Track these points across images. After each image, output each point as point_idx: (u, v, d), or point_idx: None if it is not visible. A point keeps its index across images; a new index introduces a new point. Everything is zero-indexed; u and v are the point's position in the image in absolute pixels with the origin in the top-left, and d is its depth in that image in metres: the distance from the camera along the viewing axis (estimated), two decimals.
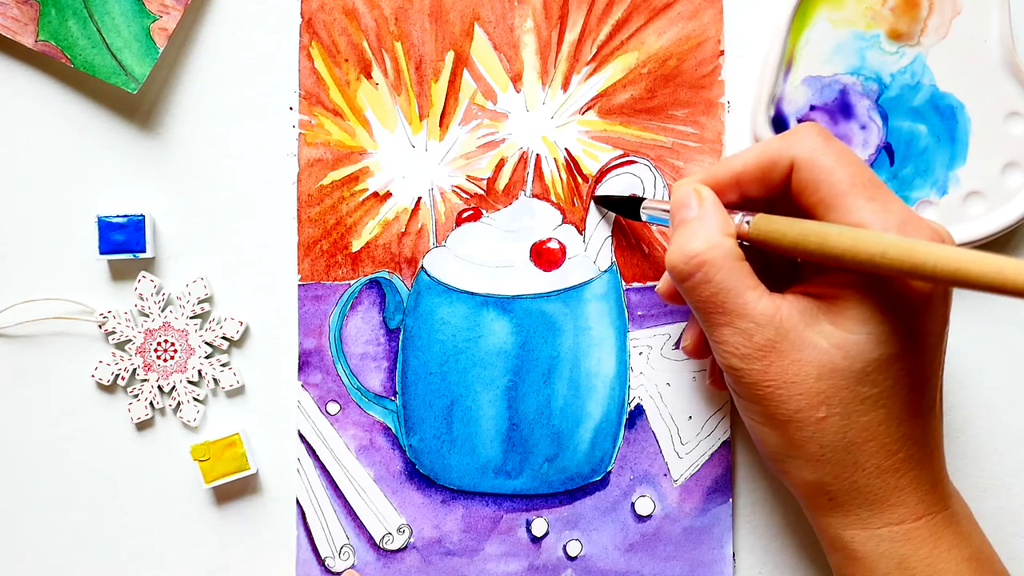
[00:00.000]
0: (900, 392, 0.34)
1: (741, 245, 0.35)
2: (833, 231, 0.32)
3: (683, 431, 0.43)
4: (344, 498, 0.43)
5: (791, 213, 0.35)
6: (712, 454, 0.43)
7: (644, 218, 0.41)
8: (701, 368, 0.43)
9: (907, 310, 0.33)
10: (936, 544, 0.35)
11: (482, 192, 0.43)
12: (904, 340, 0.33)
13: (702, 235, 0.34)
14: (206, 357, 0.43)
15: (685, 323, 0.43)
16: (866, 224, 0.33)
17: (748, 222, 0.35)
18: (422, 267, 0.43)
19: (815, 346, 0.33)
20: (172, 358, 0.43)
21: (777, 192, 0.36)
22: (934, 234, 0.34)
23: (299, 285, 0.43)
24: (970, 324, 0.43)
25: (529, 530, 0.43)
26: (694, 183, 0.37)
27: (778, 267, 0.38)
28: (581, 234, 0.43)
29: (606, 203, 0.43)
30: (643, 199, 0.41)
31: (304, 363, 0.43)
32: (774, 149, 0.35)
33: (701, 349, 0.40)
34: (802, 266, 0.38)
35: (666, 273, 0.38)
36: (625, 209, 0.42)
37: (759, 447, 0.37)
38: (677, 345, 0.43)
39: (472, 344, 0.43)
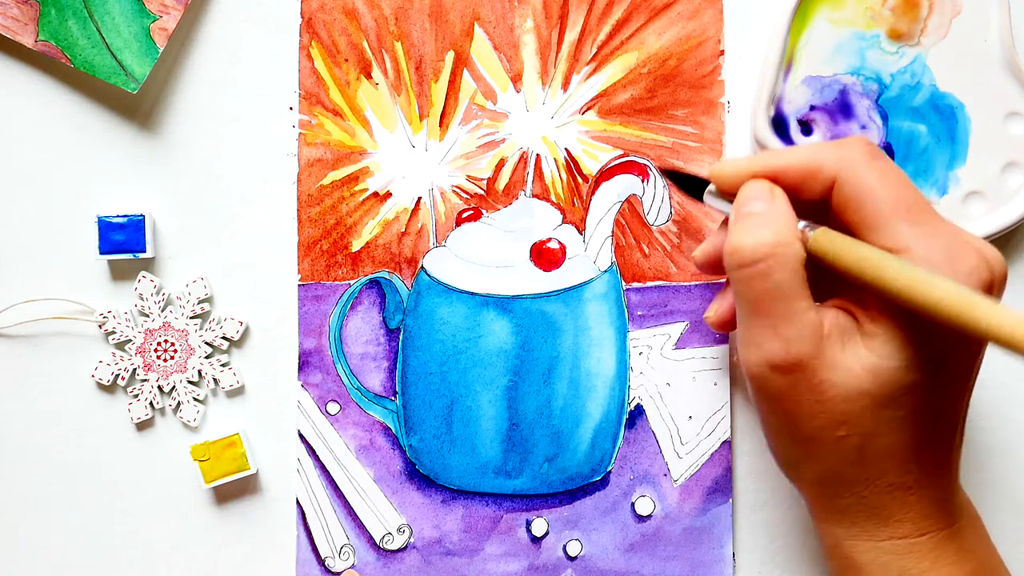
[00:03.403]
0: (924, 417, 0.33)
1: None
2: (892, 267, 0.31)
3: (683, 431, 0.43)
4: (344, 498, 0.43)
5: (830, 226, 0.34)
6: (712, 454, 0.43)
7: (706, 201, 0.38)
8: (701, 368, 0.43)
9: (943, 340, 0.33)
10: (937, 558, 0.34)
11: (482, 192, 0.43)
12: (936, 368, 0.33)
13: (773, 228, 0.33)
14: (206, 357, 0.43)
15: (685, 323, 0.43)
16: (910, 248, 0.32)
17: (809, 234, 0.34)
18: (422, 267, 0.43)
19: (848, 369, 0.33)
20: (172, 358, 0.43)
21: (814, 202, 0.35)
22: (982, 260, 0.32)
23: (299, 285, 0.43)
24: None
25: (529, 530, 0.43)
26: (766, 181, 0.35)
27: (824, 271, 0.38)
28: (581, 234, 0.43)
29: (671, 175, 0.40)
30: (709, 182, 0.38)
31: (304, 363, 0.43)
32: (820, 158, 0.34)
33: (727, 323, 0.38)
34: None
35: (708, 242, 0.37)
36: (687, 185, 0.39)
37: (772, 452, 0.36)
38: (677, 345, 0.43)
39: (472, 344, 0.43)
